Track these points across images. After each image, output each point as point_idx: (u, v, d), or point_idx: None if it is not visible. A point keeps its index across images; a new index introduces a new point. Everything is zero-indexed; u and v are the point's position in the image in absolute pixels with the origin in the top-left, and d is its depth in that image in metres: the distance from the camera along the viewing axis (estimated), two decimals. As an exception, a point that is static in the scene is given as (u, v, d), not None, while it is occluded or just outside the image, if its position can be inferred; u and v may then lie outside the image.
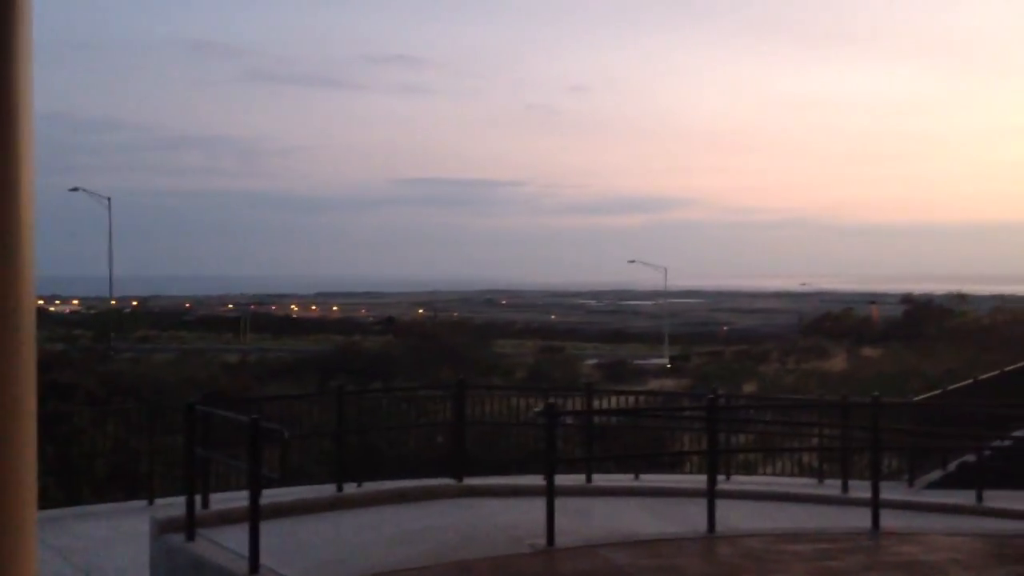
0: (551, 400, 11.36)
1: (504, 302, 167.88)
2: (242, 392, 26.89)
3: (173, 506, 10.11)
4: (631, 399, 18.11)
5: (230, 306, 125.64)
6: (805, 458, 16.29)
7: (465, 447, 12.17)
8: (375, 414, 14.26)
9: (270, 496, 9.03)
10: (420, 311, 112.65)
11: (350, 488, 10.96)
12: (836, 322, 62.87)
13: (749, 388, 36.78)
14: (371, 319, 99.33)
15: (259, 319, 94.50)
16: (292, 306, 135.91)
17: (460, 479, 11.36)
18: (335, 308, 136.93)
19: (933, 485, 14.58)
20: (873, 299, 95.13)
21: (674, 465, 16.68)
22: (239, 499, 8.89)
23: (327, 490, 10.95)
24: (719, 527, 9.07)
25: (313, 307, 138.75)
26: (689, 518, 9.87)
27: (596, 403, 14.58)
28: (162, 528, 8.66)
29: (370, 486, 11.14)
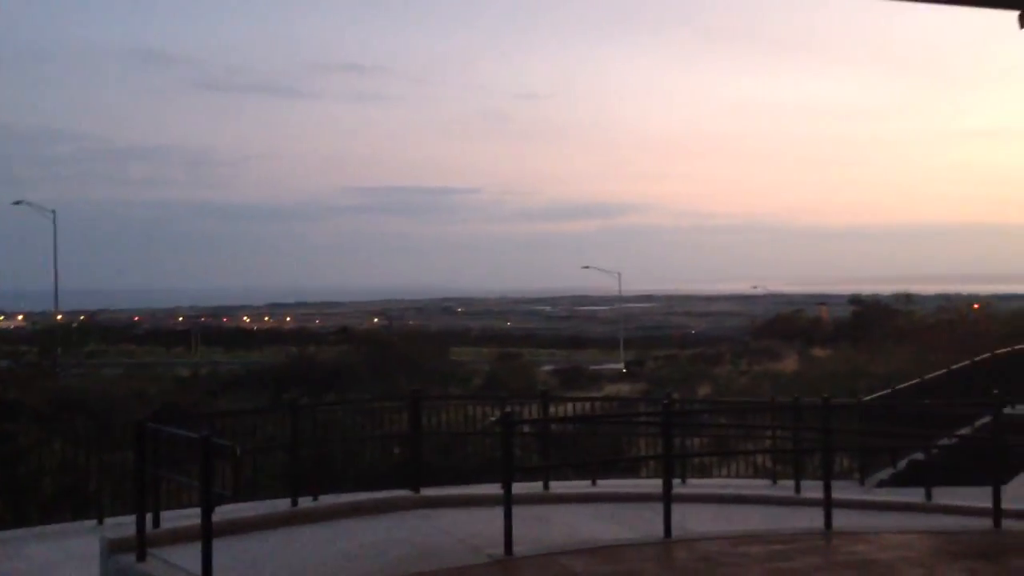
0: (508, 408, 11.36)
1: (460, 309, 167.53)
2: (194, 406, 26.52)
3: (123, 525, 9.91)
4: (587, 405, 18.14)
5: (180, 319, 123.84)
6: (759, 460, 16.48)
7: (422, 458, 12.12)
8: (330, 427, 14.13)
9: (223, 513, 8.89)
10: (375, 320, 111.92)
11: (305, 502, 10.85)
12: (787, 324, 63.77)
13: (703, 391, 37.12)
14: (329, 329, 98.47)
15: (211, 331, 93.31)
16: (245, 317, 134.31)
17: (417, 490, 11.30)
18: (289, 319, 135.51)
19: (884, 483, 14.85)
20: (822, 300, 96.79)
21: (631, 470, 16.76)
22: (191, 517, 8.74)
23: (282, 505, 10.83)
24: (675, 531, 9.13)
25: (266, 318, 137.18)
26: (646, 523, 9.93)
27: (553, 410, 14.60)
28: (112, 548, 8.48)
29: (326, 500, 11.03)
